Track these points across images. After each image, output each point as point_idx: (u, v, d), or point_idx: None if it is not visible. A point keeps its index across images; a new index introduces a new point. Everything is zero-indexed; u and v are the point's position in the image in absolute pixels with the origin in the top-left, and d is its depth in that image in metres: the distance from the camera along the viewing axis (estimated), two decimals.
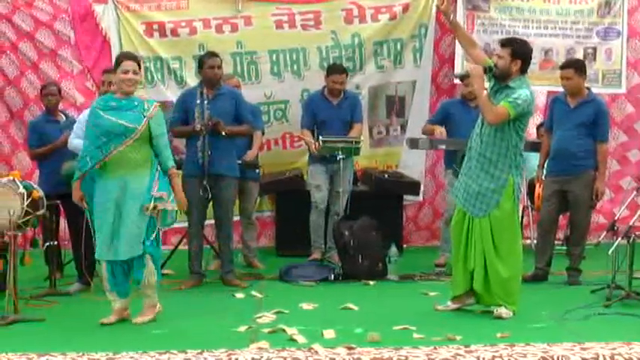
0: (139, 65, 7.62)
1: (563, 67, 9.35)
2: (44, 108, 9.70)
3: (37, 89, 11.16)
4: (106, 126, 7.34)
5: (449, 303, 7.91)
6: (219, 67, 9.30)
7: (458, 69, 11.29)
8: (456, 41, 11.34)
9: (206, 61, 9.14)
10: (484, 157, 7.64)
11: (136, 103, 7.45)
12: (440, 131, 9.99)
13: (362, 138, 10.54)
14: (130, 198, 7.31)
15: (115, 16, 10.98)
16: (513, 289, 7.66)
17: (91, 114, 7.51)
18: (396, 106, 11.62)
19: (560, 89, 9.76)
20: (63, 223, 9.45)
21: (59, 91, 9.67)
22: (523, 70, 7.71)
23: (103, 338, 6.84)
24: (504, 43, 7.81)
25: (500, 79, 7.65)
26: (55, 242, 8.96)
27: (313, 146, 10.20)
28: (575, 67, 9.28)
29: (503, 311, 7.53)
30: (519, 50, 7.71)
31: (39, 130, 9.37)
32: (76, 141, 8.77)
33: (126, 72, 7.43)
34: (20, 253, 8.18)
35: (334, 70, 10.49)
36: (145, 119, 7.36)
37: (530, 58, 7.85)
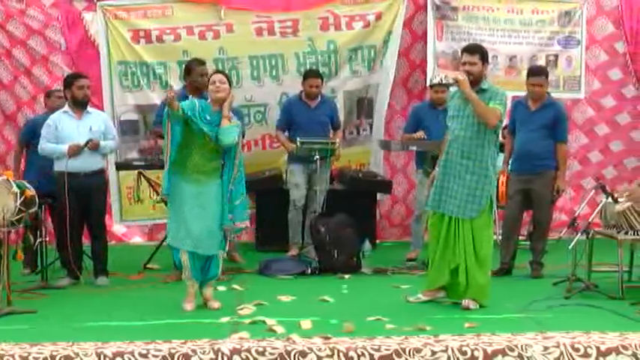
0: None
1: (536, 74, 9.33)
2: (47, 109, 9.66)
3: (29, 93, 11.19)
4: None
5: (420, 295, 7.93)
6: (207, 74, 9.34)
7: (430, 74, 11.32)
8: (427, 48, 11.45)
9: (195, 69, 9.13)
10: (468, 158, 7.66)
11: None
12: (420, 135, 10.04)
13: (339, 140, 10.58)
14: None
15: (104, 24, 10.90)
16: (487, 290, 7.72)
17: None
18: (365, 108, 11.62)
19: (523, 94, 9.81)
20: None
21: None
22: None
23: (92, 329, 6.82)
24: (474, 50, 7.88)
25: (473, 84, 7.68)
26: (40, 240, 8.92)
27: (288, 146, 10.28)
28: (546, 75, 9.36)
29: (470, 303, 7.55)
30: (485, 54, 7.85)
31: (37, 127, 9.28)
32: (50, 145, 8.74)
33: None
34: (12, 249, 8.15)
35: (310, 74, 10.54)
36: None
37: None
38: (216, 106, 7.61)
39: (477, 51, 7.83)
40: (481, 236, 7.68)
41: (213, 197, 7.61)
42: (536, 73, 9.38)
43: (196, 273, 7.69)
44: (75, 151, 8.64)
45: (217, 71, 8.00)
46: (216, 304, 7.69)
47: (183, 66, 9.64)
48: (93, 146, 8.74)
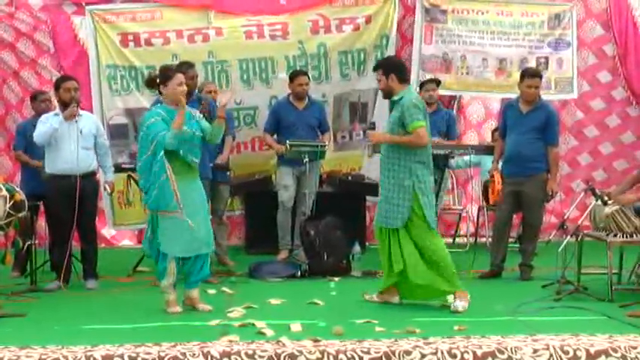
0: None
1: (532, 75, 9.31)
2: (35, 113, 9.66)
3: (18, 96, 11.18)
4: None
5: (373, 296, 8.03)
6: (196, 76, 9.37)
7: (414, 77, 11.37)
8: (413, 51, 11.49)
9: (185, 72, 9.12)
10: (388, 170, 7.79)
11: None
12: None
13: (327, 142, 10.60)
14: None
15: (93, 27, 10.90)
16: (443, 286, 7.74)
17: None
18: (359, 113, 11.64)
19: (512, 96, 9.87)
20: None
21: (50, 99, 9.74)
22: (402, 80, 7.89)
23: (81, 332, 6.81)
24: (375, 68, 8.12)
25: (389, 97, 7.89)
26: (30, 242, 8.92)
27: (276, 148, 10.34)
28: (541, 77, 9.39)
29: (459, 305, 7.57)
30: (387, 66, 7.97)
31: (27, 132, 9.34)
32: (43, 127, 8.72)
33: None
34: (1, 253, 8.14)
35: (297, 73, 10.59)
36: None
37: (401, 67, 8.09)
38: (175, 105, 7.62)
39: (378, 67, 8.05)
40: (424, 244, 7.73)
41: (201, 192, 7.71)
42: (533, 74, 9.35)
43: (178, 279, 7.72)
44: (72, 113, 8.65)
45: (181, 70, 7.93)
46: (207, 307, 7.69)
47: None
48: (111, 188, 9.23)
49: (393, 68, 7.90)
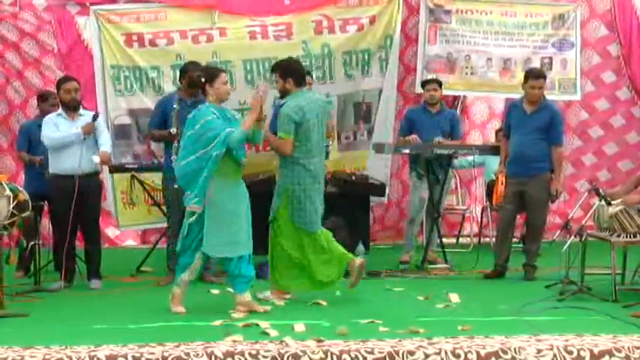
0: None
1: (536, 76, 9.30)
2: (40, 113, 9.65)
3: (22, 96, 11.19)
4: None
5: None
6: None
7: (419, 79, 11.36)
8: (418, 52, 11.49)
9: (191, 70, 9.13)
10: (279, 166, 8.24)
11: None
12: (413, 137, 10.07)
13: (331, 141, 10.59)
14: None
15: (97, 28, 10.88)
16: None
17: None
18: (363, 113, 11.61)
19: (517, 96, 9.87)
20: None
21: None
22: (298, 84, 8.16)
23: (85, 332, 6.81)
24: (272, 69, 8.39)
25: (284, 98, 8.16)
26: (33, 242, 8.94)
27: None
28: (545, 77, 9.38)
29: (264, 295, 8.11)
30: (286, 70, 8.18)
31: (31, 133, 9.36)
32: (59, 134, 8.73)
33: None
34: (6, 253, 8.15)
35: None
36: None
37: (300, 71, 8.28)
38: (221, 103, 7.69)
39: (275, 69, 8.33)
40: (292, 243, 8.27)
41: (245, 193, 7.82)
42: (537, 75, 9.34)
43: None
44: (90, 129, 8.69)
45: (223, 70, 8.00)
46: (267, 308, 7.74)
47: (179, 69, 9.60)
48: (102, 158, 8.88)
49: (292, 72, 8.16)
